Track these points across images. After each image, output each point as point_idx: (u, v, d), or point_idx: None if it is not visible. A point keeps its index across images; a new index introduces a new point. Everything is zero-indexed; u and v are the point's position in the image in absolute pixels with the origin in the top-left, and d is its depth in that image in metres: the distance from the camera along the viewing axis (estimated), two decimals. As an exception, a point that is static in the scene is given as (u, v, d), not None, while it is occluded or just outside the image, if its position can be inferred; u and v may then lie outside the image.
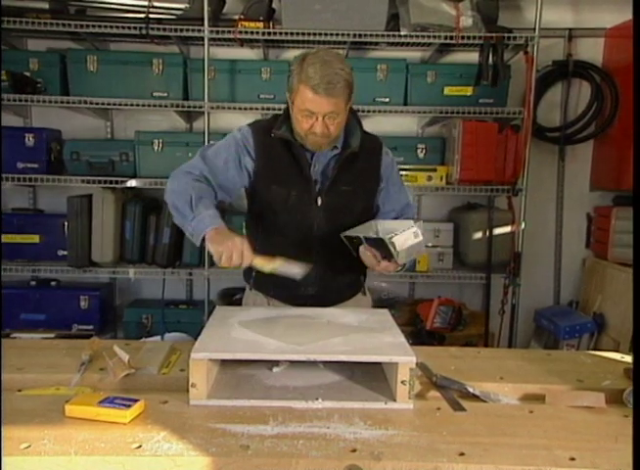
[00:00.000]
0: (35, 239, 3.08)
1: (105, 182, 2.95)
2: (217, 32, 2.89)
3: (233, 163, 1.62)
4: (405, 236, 1.38)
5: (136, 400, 1.09)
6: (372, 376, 1.26)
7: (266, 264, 1.43)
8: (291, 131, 1.62)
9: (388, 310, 1.51)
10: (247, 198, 1.71)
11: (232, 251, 1.38)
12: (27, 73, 2.93)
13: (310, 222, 1.62)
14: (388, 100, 3.02)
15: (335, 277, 1.68)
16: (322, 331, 1.31)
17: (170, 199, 1.54)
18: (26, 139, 2.99)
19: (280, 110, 2.97)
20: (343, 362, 1.19)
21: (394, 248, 1.36)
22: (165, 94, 3.01)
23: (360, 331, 1.32)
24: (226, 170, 1.61)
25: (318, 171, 1.64)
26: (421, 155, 3.10)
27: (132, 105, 2.95)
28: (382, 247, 1.43)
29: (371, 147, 1.70)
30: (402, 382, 1.14)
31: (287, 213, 1.62)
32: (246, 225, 1.79)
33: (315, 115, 1.51)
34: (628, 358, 1.52)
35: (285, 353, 1.19)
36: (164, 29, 2.87)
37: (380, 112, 3.00)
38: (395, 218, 1.73)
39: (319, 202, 1.62)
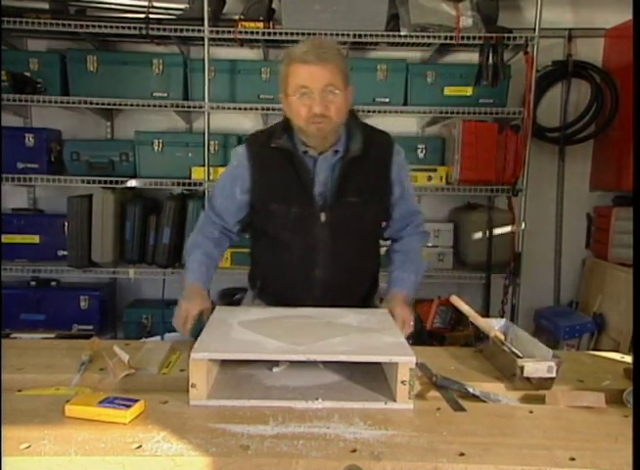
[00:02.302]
0: (35, 239, 3.08)
1: (105, 182, 2.95)
2: (217, 32, 2.89)
3: (230, 197, 1.61)
4: (539, 367, 1.27)
5: (136, 401, 1.09)
6: (372, 376, 1.26)
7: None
8: (291, 140, 1.54)
9: (388, 311, 1.51)
10: (249, 215, 1.64)
11: (180, 317, 1.48)
12: (27, 73, 2.93)
13: (314, 241, 1.53)
14: (388, 100, 3.02)
15: (341, 298, 1.57)
16: (322, 331, 1.31)
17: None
18: (26, 139, 2.99)
19: (280, 110, 3.02)
20: (343, 362, 1.19)
21: (521, 371, 1.26)
22: (165, 94, 3.01)
23: (360, 331, 1.32)
24: (231, 206, 1.62)
25: (321, 183, 1.54)
26: (421, 155, 3.10)
27: (132, 105, 2.95)
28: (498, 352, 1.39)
29: (379, 148, 1.58)
30: (402, 382, 1.14)
31: (288, 232, 1.54)
32: (251, 242, 1.74)
33: (311, 91, 1.42)
34: (628, 358, 1.52)
35: (285, 354, 1.19)
36: (164, 30, 2.87)
37: (380, 112, 3.00)
38: (405, 227, 1.68)
39: (322, 218, 1.52)
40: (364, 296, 1.69)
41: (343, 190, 1.53)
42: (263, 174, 1.57)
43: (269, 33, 2.88)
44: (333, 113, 1.45)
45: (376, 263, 1.71)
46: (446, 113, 2.99)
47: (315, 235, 1.54)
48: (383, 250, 1.75)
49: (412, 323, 1.54)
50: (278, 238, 1.58)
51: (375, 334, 1.30)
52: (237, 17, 2.92)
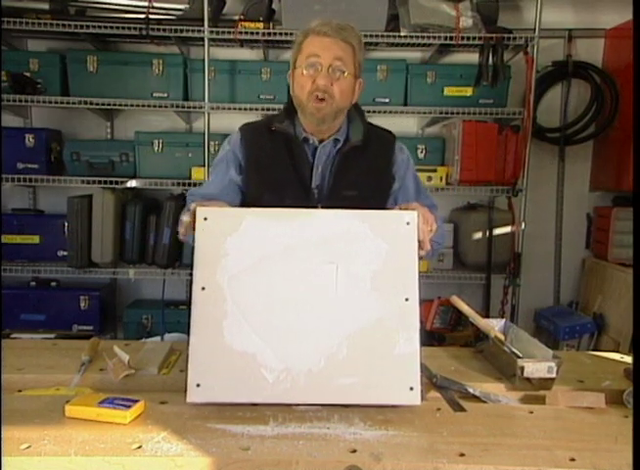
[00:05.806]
0: (35, 239, 3.08)
1: (105, 182, 2.95)
2: (217, 33, 2.89)
3: (223, 180, 1.51)
4: (539, 367, 1.26)
5: (136, 401, 1.09)
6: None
7: None
8: (293, 126, 1.49)
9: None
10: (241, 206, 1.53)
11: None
12: (27, 74, 2.93)
13: None
14: (388, 100, 3.02)
15: None
16: (326, 335, 1.19)
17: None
18: (26, 139, 2.99)
19: (279, 110, 3.02)
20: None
21: (521, 372, 1.26)
22: (165, 94, 3.01)
23: (373, 331, 1.19)
24: (225, 195, 1.47)
25: (319, 175, 1.48)
26: (421, 155, 3.10)
27: (132, 105, 2.95)
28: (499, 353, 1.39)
29: (380, 142, 1.54)
30: None
31: None
32: None
33: (319, 63, 1.38)
34: (628, 359, 1.52)
35: (283, 395, 1.15)
36: (164, 30, 2.87)
37: (380, 112, 3.00)
38: None
39: None
40: None
41: (341, 182, 1.48)
42: (257, 161, 1.49)
43: (269, 34, 2.88)
44: (336, 92, 1.40)
45: None
46: (446, 113, 2.99)
47: None
48: None
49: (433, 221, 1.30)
50: None
51: (389, 337, 1.18)
52: (237, 17, 2.92)
